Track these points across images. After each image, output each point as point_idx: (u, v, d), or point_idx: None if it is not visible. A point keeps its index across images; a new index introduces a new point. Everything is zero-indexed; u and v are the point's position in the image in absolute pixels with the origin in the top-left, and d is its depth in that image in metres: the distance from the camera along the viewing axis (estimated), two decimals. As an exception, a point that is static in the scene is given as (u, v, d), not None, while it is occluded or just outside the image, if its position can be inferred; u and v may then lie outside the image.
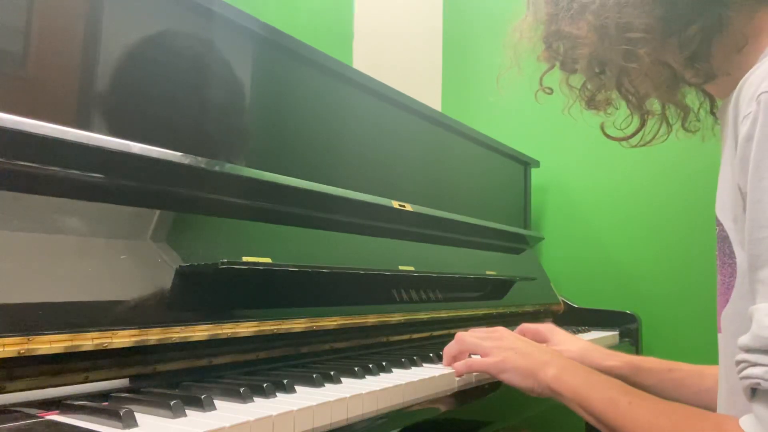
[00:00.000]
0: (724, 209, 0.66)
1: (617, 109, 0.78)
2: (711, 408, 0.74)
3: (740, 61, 0.68)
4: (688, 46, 0.67)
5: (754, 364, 0.55)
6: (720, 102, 0.77)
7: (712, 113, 0.81)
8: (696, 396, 0.91)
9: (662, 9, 0.67)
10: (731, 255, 0.65)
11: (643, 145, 0.80)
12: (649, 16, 0.67)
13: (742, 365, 0.57)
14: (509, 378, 0.83)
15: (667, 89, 0.72)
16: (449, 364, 0.92)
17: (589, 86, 0.77)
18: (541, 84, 0.84)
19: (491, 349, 0.86)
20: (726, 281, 0.66)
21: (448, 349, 0.93)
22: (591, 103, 0.78)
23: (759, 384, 0.55)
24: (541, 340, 1.06)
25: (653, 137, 0.80)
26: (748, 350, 0.56)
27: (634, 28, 0.67)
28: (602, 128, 0.82)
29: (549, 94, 0.84)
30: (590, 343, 1.05)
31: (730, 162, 0.64)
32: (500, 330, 0.90)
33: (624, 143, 0.80)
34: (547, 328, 1.08)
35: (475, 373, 0.92)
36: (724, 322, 0.67)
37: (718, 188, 0.69)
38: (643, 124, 0.77)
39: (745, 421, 0.57)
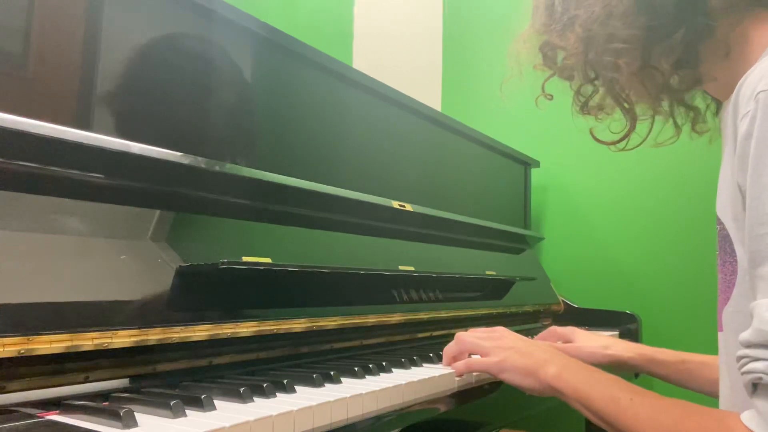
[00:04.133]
0: (724, 208, 0.67)
1: (609, 115, 0.79)
2: (718, 396, 0.75)
3: (728, 66, 0.69)
4: (673, 53, 0.69)
5: (756, 359, 0.56)
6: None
7: (718, 116, 0.82)
8: (704, 385, 0.95)
9: (646, 19, 0.68)
10: (732, 253, 0.65)
11: (654, 146, 0.81)
12: (633, 26, 0.69)
13: (744, 360, 0.57)
14: (510, 377, 0.83)
15: (657, 96, 0.74)
16: (449, 364, 0.92)
17: (582, 92, 0.78)
18: (543, 90, 0.84)
19: (491, 349, 0.86)
20: (727, 279, 0.66)
21: (448, 350, 0.93)
22: (584, 109, 0.80)
23: (761, 379, 0.55)
24: (566, 341, 1.10)
25: (664, 139, 0.80)
26: (750, 345, 0.57)
27: (617, 39, 0.69)
28: (591, 133, 0.83)
29: (549, 100, 0.85)
30: (612, 337, 1.10)
31: (730, 161, 0.64)
32: (500, 330, 0.90)
33: (612, 147, 0.81)
34: (570, 330, 1.13)
35: (475, 373, 0.92)
36: (725, 319, 0.67)
37: (718, 187, 0.69)
38: (631, 129, 0.78)
39: (747, 417, 0.57)
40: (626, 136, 0.79)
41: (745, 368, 0.57)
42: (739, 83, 0.63)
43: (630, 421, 0.68)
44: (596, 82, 0.76)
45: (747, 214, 0.59)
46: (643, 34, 0.68)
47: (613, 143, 0.81)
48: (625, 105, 0.76)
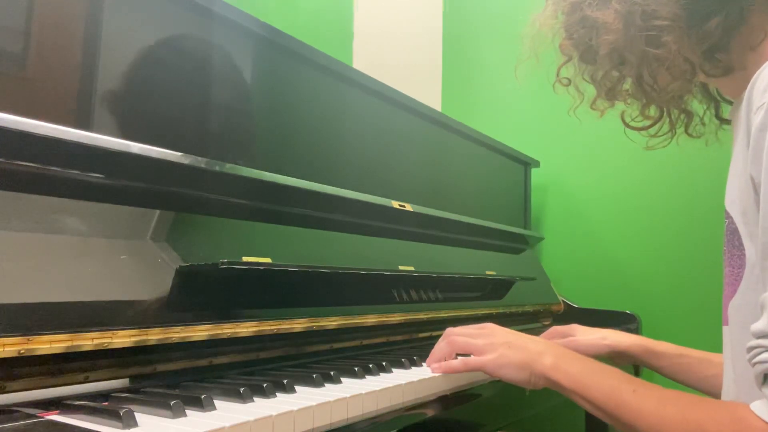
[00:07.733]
0: (733, 202, 0.67)
1: (637, 100, 0.78)
2: (713, 393, 0.74)
3: (754, 57, 0.68)
4: (708, 38, 0.68)
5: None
6: (725, 105, 0.78)
7: (717, 118, 0.82)
8: (701, 381, 0.94)
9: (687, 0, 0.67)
10: (740, 247, 0.65)
11: (650, 136, 0.80)
12: (675, 4, 0.68)
13: (756, 351, 0.57)
14: (506, 373, 0.80)
15: (684, 81, 0.73)
16: (431, 363, 0.89)
17: (607, 78, 0.77)
18: (558, 75, 0.83)
19: (484, 347, 0.83)
20: (735, 272, 0.66)
21: (438, 351, 0.90)
22: (610, 94, 0.78)
23: None
24: (567, 337, 1.10)
25: (658, 134, 0.80)
26: (762, 336, 0.56)
27: (660, 15, 0.68)
28: (622, 117, 0.82)
29: (566, 85, 0.83)
30: (610, 330, 1.11)
31: (742, 155, 0.64)
32: (490, 326, 0.88)
33: (643, 133, 0.80)
34: (570, 327, 1.14)
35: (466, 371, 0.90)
36: (731, 313, 0.67)
37: (728, 182, 0.69)
38: (661, 115, 0.77)
39: (757, 406, 0.57)
40: (656, 121, 0.78)
41: (756, 359, 0.57)
42: (753, 77, 0.63)
43: (633, 413, 0.66)
44: (621, 67, 0.74)
45: (761, 206, 0.58)
46: (685, 14, 0.68)
47: (644, 128, 0.80)
48: (651, 91, 0.74)
